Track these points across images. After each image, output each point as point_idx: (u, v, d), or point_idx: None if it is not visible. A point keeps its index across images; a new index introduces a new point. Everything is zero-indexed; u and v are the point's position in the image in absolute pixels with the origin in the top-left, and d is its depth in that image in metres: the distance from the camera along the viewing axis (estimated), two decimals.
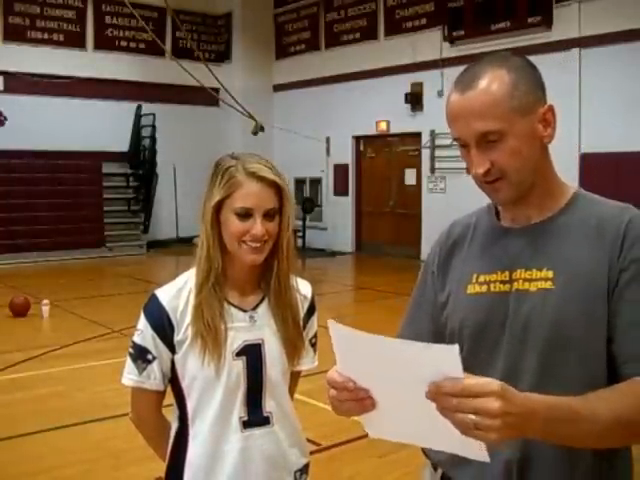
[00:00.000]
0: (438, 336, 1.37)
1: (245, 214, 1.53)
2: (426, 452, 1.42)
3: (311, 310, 1.74)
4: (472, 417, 0.96)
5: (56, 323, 7.78)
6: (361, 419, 1.11)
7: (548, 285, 1.23)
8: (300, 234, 13.83)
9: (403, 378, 1.02)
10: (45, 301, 7.97)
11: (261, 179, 1.54)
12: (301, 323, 1.68)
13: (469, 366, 1.29)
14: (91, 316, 7.84)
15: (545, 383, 1.20)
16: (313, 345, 1.76)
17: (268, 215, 1.55)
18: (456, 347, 0.97)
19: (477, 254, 1.36)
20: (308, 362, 1.74)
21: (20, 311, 7.86)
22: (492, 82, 1.23)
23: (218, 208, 1.55)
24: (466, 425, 0.96)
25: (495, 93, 1.22)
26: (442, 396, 0.97)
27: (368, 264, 13.02)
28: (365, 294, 10.03)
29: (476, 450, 1.01)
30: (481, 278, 1.32)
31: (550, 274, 1.24)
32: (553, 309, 1.21)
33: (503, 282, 1.29)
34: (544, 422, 1.03)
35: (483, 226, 1.39)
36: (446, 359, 0.98)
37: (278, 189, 1.57)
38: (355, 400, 1.08)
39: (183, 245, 14.12)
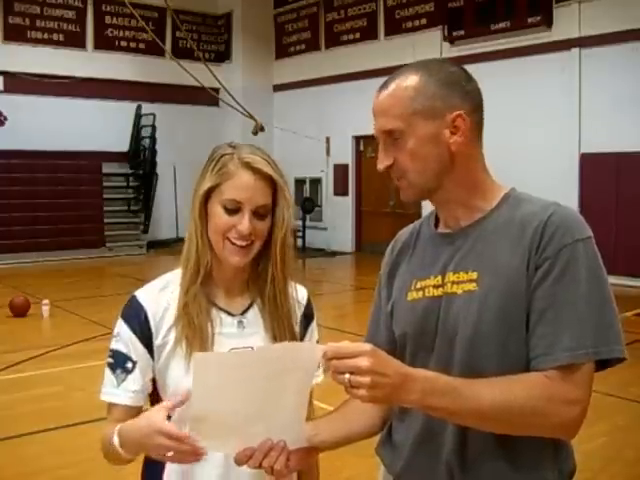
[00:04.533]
0: (394, 344, 1.42)
1: (233, 208, 1.39)
2: (382, 459, 1.46)
3: (308, 318, 1.58)
4: (347, 376, 1.08)
5: (56, 323, 7.79)
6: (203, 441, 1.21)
7: (472, 287, 1.27)
8: (300, 234, 13.84)
9: (261, 381, 1.14)
10: (45, 301, 7.98)
11: (255, 171, 1.39)
12: (297, 329, 1.53)
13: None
14: (91, 316, 7.83)
15: (469, 377, 1.23)
16: None
17: (258, 213, 1.40)
18: (319, 347, 1.11)
19: (417, 261, 1.41)
20: (316, 376, 1.48)
21: (20, 311, 7.87)
22: (400, 84, 1.30)
23: (206, 198, 1.42)
24: (344, 384, 1.09)
25: (399, 94, 1.29)
26: (328, 360, 1.10)
27: (368, 264, 13.00)
28: (365, 294, 10.02)
29: (298, 437, 1.22)
30: (418, 284, 1.36)
31: (474, 276, 1.27)
32: (476, 310, 1.25)
33: (436, 286, 1.33)
34: (422, 392, 1.13)
35: (424, 233, 1.44)
36: (306, 355, 1.13)
37: (273, 185, 1.43)
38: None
39: (183, 245, 14.09)
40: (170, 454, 1.21)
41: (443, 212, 1.38)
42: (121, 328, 1.46)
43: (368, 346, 1.10)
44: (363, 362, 1.07)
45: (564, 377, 1.17)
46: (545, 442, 1.24)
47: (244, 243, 1.41)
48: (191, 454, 1.20)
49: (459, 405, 1.15)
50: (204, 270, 1.44)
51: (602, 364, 1.21)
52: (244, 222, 1.39)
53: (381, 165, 1.33)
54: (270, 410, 1.17)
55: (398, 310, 1.41)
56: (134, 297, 1.48)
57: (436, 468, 1.30)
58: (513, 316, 1.22)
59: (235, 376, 1.14)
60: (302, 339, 1.56)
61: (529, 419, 1.17)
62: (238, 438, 1.23)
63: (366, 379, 1.07)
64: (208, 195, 1.42)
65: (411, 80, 1.29)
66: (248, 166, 1.40)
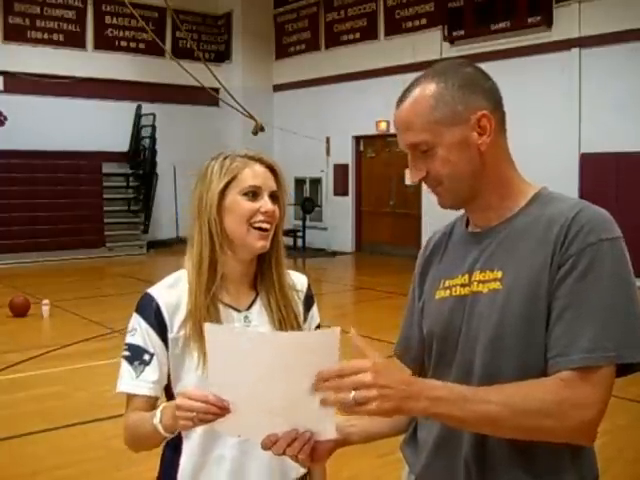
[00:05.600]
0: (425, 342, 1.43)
1: (254, 193, 1.49)
2: (405, 458, 1.47)
3: (309, 301, 1.67)
4: (352, 394, 1.07)
5: (56, 323, 7.78)
6: (215, 423, 1.23)
7: (497, 285, 1.26)
8: (300, 234, 13.84)
9: (279, 369, 1.12)
10: (45, 301, 7.98)
11: (261, 161, 1.53)
12: (301, 318, 1.62)
13: (437, 368, 1.37)
14: (91, 316, 7.83)
15: (491, 376, 1.24)
16: None
17: (272, 197, 1.52)
18: (337, 330, 1.08)
19: (447, 260, 1.42)
20: None
21: (20, 311, 7.87)
22: (417, 96, 1.29)
23: (220, 197, 1.50)
24: (349, 403, 1.07)
25: (419, 106, 1.29)
26: (324, 382, 1.08)
27: (368, 264, 13.02)
28: (365, 294, 10.03)
29: (326, 429, 1.17)
30: (447, 283, 1.37)
31: (499, 275, 1.27)
32: (499, 308, 1.24)
33: (463, 285, 1.33)
34: (429, 400, 1.12)
35: (456, 233, 1.44)
36: (324, 343, 1.10)
37: (275, 174, 1.55)
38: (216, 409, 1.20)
39: (183, 245, 13.99)
40: (194, 415, 1.22)
41: (476, 215, 1.37)
42: (137, 322, 1.52)
43: (368, 361, 1.09)
44: (366, 377, 1.07)
45: (580, 379, 1.14)
46: (562, 446, 1.21)
47: (268, 225, 1.50)
48: (217, 410, 1.21)
49: (468, 412, 1.13)
50: (221, 270, 1.51)
51: (626, 368, 1.18)
52: (266, 203, 1.50)
53: (415, 178, 1.33)
54: (294, 399, 1.15)
55: (427, 309, 1.41)
56: (146, 293, 1.54)
57: (455, 467, 1.30)
58: (535, 315, 1.21)
59: (249, 356, 1.13)
60: (304, 323, 1.64)
61: (540, 423, 1.14)
62: (260, 424, 1.22)
63: (372, 392, 1.06)
64: (222, 193, 1.49)
65: (429, 89, 1.28)
66: (254, 158, 1.52)
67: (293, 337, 1.21)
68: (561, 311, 1.18)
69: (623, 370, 1.18)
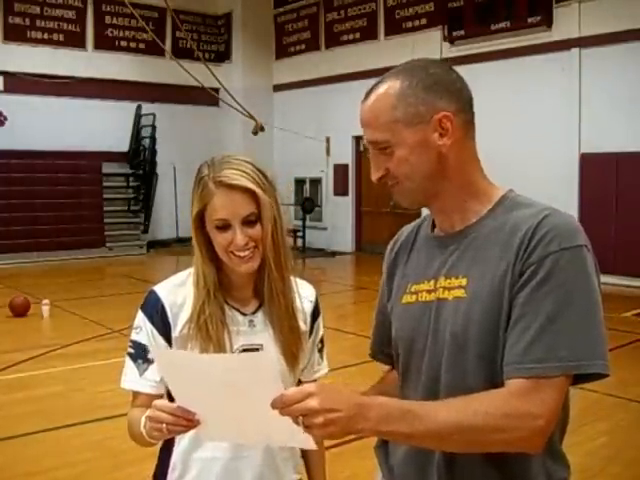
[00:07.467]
0: None
1: (223, 226, 1.46)
2: (378, 461, 1.45)
3: (315, 314, 1.68)
4: (301, 419, 1.07)
5: (56, 323, 7.79)
6: (196, 430, 1.24)
7: (461, 293, 1.25)
8: (300, 234, 13.84)
9: (229, 387, 1.13)
10: (45, 301, 7.98)
11: (231, 187, 1.44)
12: (303, 328, 1.61)
13: (405, 374, 1.35)
14: (91, 316, 7.84)
15: (457, 384, 1.23)
16: (320, 350, 1.70)
17: (248, 221, 1.46)
18: (268, 353, 1.10)
19: (413, 264, 1.40)
20: (321, 369, 1.70)
21: (20, 311, 7.88)
22: (381, 93, 1.28)
23: (202, 219, 1.49)
24: (301, 427, 1.08)
25: (379, 105, 1.28)
26: (280, 409, 1.08)
27: (368, 264, 13.01)
28: (365, 294, 10.02)
29: (304, 441, 1.12)
30: (413, 288, 1.35)
31: (464, 282, 1.25)
32: (462, 317, 1.23)
33: (429, 291, 1.31)
34: (377, 419, 1.10)
35: (421, 235, 1.43)
36: (262, 365, 1.10)
37: (254, 192, 1.47)
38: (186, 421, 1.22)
39: (183, 245, 14.11)
40: (163, 426, 1.25)
41: (439, 217, 1.35)
42: (141, 321, 1.53)
43: (313, 386, 1.09)
44: (312, 403, 1.06)
45: (531, 388, 1.13)
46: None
47: (246, 253, 1.48)
48: (184, 422, 1.23)
49: (417, 428, 1.11)
50: (214, 286, 1.52)
51: (578, 377, 1.16)
52: (237, 236, 1.46)
53: (374, 177, 1.32)
54: (257, 415, 1.14)
55: (394, 313, 1.40)
56: (152, 291, 1.56)
57: (427, 471, 1.28)
58: (497, 323, 1.19)
59: (200, 375, 1.15)
60: (309, 336, 1.64)
61: (489, 438, 1.13)
62: (238, 430, 1.22)
63: (318, 419, 1.06)
64: (202, 218, 1.49)
65: (392, 88, 1.27)
66: (222, 184, 1.45)
67: (230, 359, 1.23)
68: (517, 319, 1.17)
69: (576, 379, 1.16)
